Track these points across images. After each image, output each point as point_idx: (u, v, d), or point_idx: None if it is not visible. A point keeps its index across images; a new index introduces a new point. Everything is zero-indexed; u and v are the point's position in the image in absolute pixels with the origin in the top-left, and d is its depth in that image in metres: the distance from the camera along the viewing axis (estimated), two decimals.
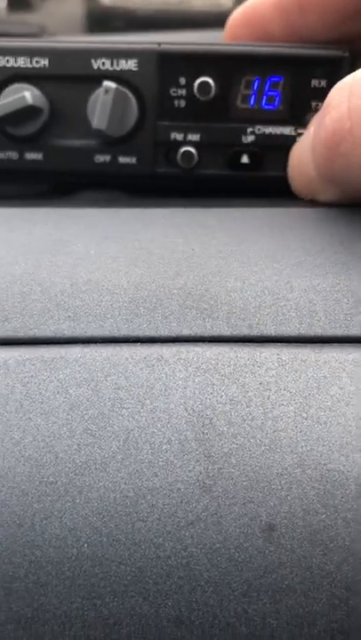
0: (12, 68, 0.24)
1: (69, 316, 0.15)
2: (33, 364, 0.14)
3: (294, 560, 0.13)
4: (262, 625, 0.13)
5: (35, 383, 0.14)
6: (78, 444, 0.13)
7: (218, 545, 0.13)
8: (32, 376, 0.14)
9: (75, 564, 0.13)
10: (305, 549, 0.13)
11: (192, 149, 0.24)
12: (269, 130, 0.24)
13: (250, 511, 0.13)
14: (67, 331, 0.15)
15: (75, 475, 0.13)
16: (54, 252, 0.17)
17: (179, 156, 0.25)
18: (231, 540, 0.13)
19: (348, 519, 0.13)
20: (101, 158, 0.25)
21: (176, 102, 0.24)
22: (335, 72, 0.24)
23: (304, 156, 0.22)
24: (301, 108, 0.24)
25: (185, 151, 0.25)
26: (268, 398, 0.14)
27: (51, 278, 0.16)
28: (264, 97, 0.24)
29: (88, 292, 0.16)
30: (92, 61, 0.24)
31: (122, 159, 0.25)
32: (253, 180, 0.25)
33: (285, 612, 0.13)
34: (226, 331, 0.15)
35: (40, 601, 0.12)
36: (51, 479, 0.13)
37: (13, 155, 0.25)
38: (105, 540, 0.13)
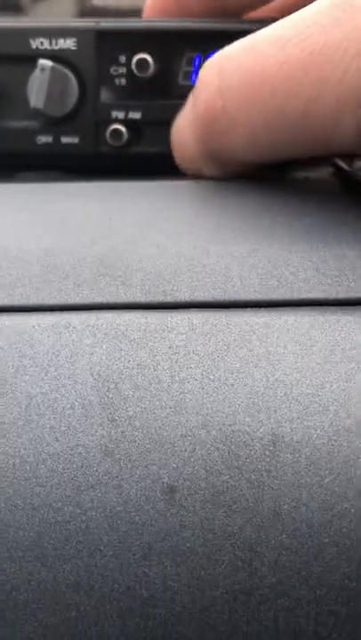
0: None
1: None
2: None
3: (196, 522, 0.13)
4: (163, 588, 0.12)
5: None
6: None
7: (118, 508, 0.13)
8: None
9: None
10: (207, 511, 0.13)
11: (121, 127, 0.24)
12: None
13: (151, 474, 0.13)
14: None
15: None
16: None
17: (108, 134, 0.24)
18: (132, 503, 0.13)
19: (251, 480, 0.13)
20: (43, 139, 0.25)
21: (116, 80, 0.24)
22: None
23: (186, 132, 0.21)
24: None
25: (114, 129, 0.24)
26: (176, 362, 0.14)
27: None
28: None
29: None
30: (31, 41, 0.24)
31: (64, 139, 0.25)
32: None
33: (187, 575, 0.13)
34: (139, 297, 0.15)
35: None
36: None
37: None
38: (2, 504, 0.13)
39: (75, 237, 0.16)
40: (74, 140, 0.25)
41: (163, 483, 0.13)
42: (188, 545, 0.13)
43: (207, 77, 0.19)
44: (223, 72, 0.19)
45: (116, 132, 0.24)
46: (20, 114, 0.25)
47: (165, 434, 0.13)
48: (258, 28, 0.24)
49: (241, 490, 0.13)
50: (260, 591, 0.12)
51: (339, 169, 0.23)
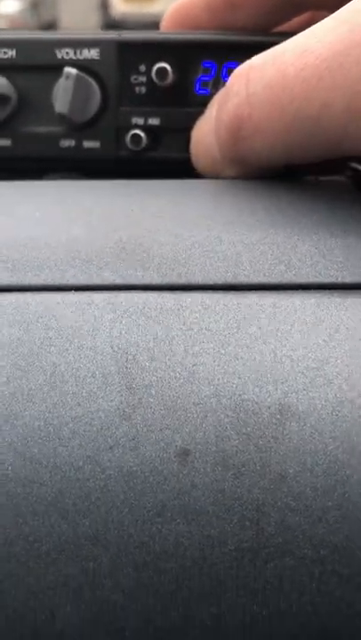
0: None
1: (7, 267, 0.16)
2: None
3: (207, 483, 0.13)
4: (175, 544, 0.13)
5: None
6: (7, 377, 0.14)
7: (135, 468, 0.14)
8: None
9: None
10: (217, 473, 0.14)
11: (140, 132, 0.25)
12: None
13: (166, 437, 0.14)
14: (4, 280, 0.16)
15: (1, 404, 0.14)
16: None
17: (128, 139, 0.26)
18: (147, 463, 0.14)
19: (259, 445, 0.14)
20: (66, 143, 0.26)
21: (137, 89, 0.26)
22: None
23: (208, 138, 0.23)
24: None
25: (134, 134, 0.26)
26: (190, 337, 0.15)
27: None
28: (221, 83, 0.26)
29: (27, 247, 0.17)
30: (57, 51, 0.25)
31: (86, 144, 0.26)
32: None
33: (198, 533, 0.13)
34: (156, 279, 0.16)
35: None
36: None
37: None
38: (28, 463, 0.14)
39: (99, 227, 0.17)
40: (95, 144, 0.26)
41: (176, 446, 0.14)
42: (199, 504, 0.13)
43: (235, 86, 0.20)
44: (250, 81, 0.20)
45: (136, 137, 0.26)
46: (45, 119, 0.26)
47: (179, 401, 0.14)
48: (270, 40, 0.25)
49: (249, 454, 0.14)
50: (266, 550, 0.13)
51: (355, 171, 0.24)
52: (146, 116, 0.26)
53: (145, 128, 0.26)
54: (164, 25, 0.28)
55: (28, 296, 0.16)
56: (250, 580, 0.13)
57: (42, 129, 0.26)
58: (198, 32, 0.26)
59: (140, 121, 0.26)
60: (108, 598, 0.13)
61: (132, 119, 0.26)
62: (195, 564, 0.13)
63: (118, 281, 0.16)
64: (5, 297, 0.16)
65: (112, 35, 0.25)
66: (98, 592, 0.13)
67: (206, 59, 0.25)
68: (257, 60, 0.21)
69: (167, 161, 0.26)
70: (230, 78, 0.21)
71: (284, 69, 0.19)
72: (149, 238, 0.17)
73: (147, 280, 0.16)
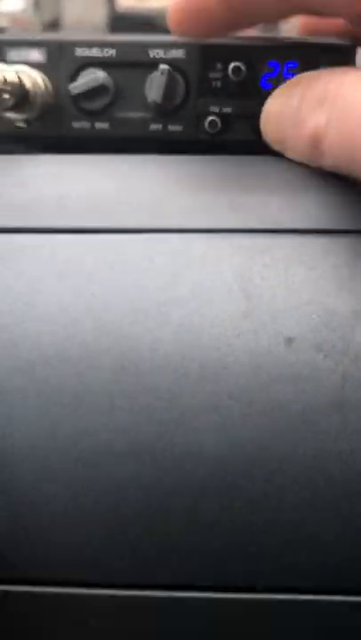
0: (87, 57, 0.32)
1: (153, 215, 0.22)
2: (132, 244, 0.21)
3: (306, 359, 0.20)
4: (283, 400, 0.19)
5: (132, 254, 0.21)
6: (162, 288, 0.20)
7: (257, 350, 0.20)
8: (130, 251, 0.21)
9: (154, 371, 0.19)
10: (313, 353, 0.20)
11: (216, 118, 0.31)
12: None
13: (275, 328, 0.20)
14: (150, 224, 0.22)
15: (160, 306, 0.20)
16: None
17: (206, 124, 0.32)
18: (265, 346, 0.20)
19: (341, 335, 0.20)
20: (155, 127, 0.32)
21: (214, 83, 0.31)
22: (340, 59, 0.31)
23: (284, 123, 0.27)
24: None
25: (211, 120, 0.32)
26: (286, 265, 0.21)
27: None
28: (284, 79, 0.31)
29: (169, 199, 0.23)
30: (149, 51, 0.31)
31: (171, 127, 0.32)
32: None
33: (300, 391, 0.19)
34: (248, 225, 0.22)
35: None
36: (144, 308, 0.20)
37: (86, 124, 0.32)
38: (180, 358, 0.20)
39: (210, 189, 0.24)
40: (179, 128, 0.32)
41: (284, 334, 0.20)
42: (300, 374, 0.19)
43: (320, 102, 0.24)
44: (334, 102, 0.24)
45: (213, 122, 0.31)
46: (137, 106, 0.32)
47: (283, 306, 0.20)
48: (328, 43, 0.31)
49: (334, 341, 0.20)
50: (348, 404, 0.19)
51: None
52: (221, 105, 0.31)
53: (220, 115, 0.31)
54: (172, 15, 0.30)
55: (177, 236, 0.22)
56: (336, 427, 0.19)
57: (134, 115, 0.32)
58: (264, 37, 0.31)
59: (216, 109, 0.31)
60: None
61: (210, 107, 0.31)
62: (298, 415, 0.19)
63: (235, 226, 0.22)
64: (157, 236, 0.22)
65: (196, 39, 0.31)
66: None
67: (271, 59, 0.31)
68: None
69: (237, 142, 0.32)
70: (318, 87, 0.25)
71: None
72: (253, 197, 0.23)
73: (254, 225, 0.22)
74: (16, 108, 0.30)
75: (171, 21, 0.30)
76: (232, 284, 0.21)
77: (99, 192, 0.23)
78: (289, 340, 0.20)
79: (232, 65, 0.31)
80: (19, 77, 0.30)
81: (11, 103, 0.29)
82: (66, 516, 0.19)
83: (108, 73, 0.32)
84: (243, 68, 0.31)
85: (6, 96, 0.29)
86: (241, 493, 0.19)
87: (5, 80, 0.28)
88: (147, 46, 0.31)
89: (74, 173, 0.25)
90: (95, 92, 0.32)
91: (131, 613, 0.19)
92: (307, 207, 0.23)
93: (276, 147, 0.29)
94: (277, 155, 0.31)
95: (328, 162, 0.23)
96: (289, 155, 0.28)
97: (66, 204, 0.23)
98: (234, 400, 0.19)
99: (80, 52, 0.32)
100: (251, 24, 0.31)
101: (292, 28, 0.36)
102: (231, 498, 0.19)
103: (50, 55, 0.32)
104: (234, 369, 0.19)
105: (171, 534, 0.19)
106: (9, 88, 0.29)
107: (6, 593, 0.19)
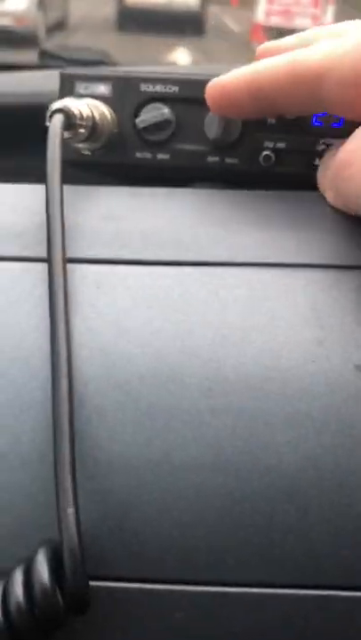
0: (151, 92, 0.34)
1: (226, 248, 0.25)
2: (209, 277, 0.24)
3: None
4: (355, 417, 0.22)
5: (212, 286, 0.23)
6: (241, 318, 0.23)
7: (329, 374, 0.22)
8: (210, 283, 0.24)
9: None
10: None
11: (270, 153, 0.33)
12: (335, 141, 0.34)
13: (345, 355, 0.22)
14: (225, 257, 0.24)
15: (240, 333, 0.22)
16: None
17: (261, 158, 0.34)
18: (335, 370, 0.22)
19: None
20: (212, 159, 0.34)
21: (268, 120, 0.34)
22: None
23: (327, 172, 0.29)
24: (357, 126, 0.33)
25: (266, 154, 0.34)
26: (358, 299, 0.23)
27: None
28: (332, 118, 0.34)
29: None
30: None
31: (227, 160, 0.34)
32: None
33: None
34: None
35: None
36: (226, 335, 0.22)
37: (148, 155, 0.35)
38: (255, 380, 0.22)
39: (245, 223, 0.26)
40: (235, 160, 0.34)
41: (353, 362, 0.22)
42: None
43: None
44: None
45: (267, 156, 0.34)
46: (196, 140, 0.34)
47: (355, 334, 0.22)
48: None
49: None
50: None
51: None
52: (275, 140, 0.34)
53: (274, 149, 0.34)
54: (209, 99, 0.31)
55: (245, 269, 0.24)
56: None
57: (193, 147, 0.34)
58: None
59: (271, 144, 0.34)
60: None
61: (265, 143, 0.34)
62: None
63: (304, 261, 0.24)
64: (232, 270, 0.24)
65: None
66: None
67: None
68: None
69: (289, 175, 0.34)
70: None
71: None
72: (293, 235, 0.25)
73: (321, 261, 0.24)
74: (87, 138, 0.33)
75: (209, 101, 0.32)
76: (307, 313, 0.23)
77: (178, 226, 0.26)
78: (357, 368, 0.22)
79: None
80: (91, 111, 0.32)
81: (85, 136, 0.32)
82: (157, 521, 0.21)
83: (171, 108, 0.34)
84: None
85: (82, 130, 0.31)
86: (316, 504, 0.21)
87: (82, 115, 0.31)
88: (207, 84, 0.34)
89: (154, 207, 0.28)
90: (158, 125, 0.34)
91: (216, 608, 0.21)
92: None
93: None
94: None
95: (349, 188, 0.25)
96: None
97: (150, 236, 0.25)
98: (310, 419, 0.21)
99: (145, 87, 0.34)
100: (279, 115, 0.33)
101: None
102: (306, 507, 0.21)
103: (116, 89, 0.35)
104: (310, 391, 0.22)
105: (251, 539, 0.21)
106: (84, 123, 0.31)
107: (97, 588, 0.21)
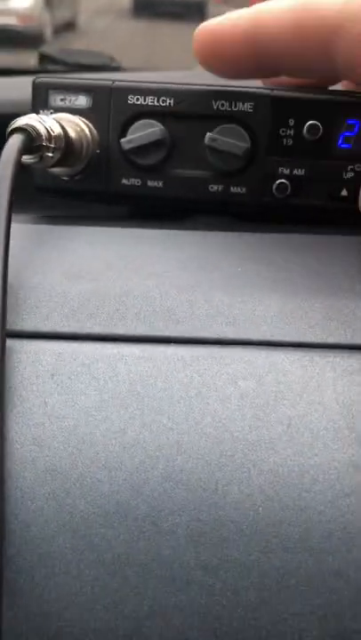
0: (142, 105, 0.28)
1: (229, 322, 0.18)
2: (206, 360, 0.17)
3: None
4: None
5: (209, 375, 0.17)
6: (250, 427, 0.16)
7: None
8: (207, 369, 0.17)
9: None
10: None
11: (286, 181, 0.27)
12: None
13: None
14: (230, 334, 0.18)
15: (247, 451, 0.16)
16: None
17: (274, 187, 0.28)
18: None
19: None
20: (215, 187, 0.28)
21: (284, 141, 0.28)
22: None
23: None
24: None
25: (280, 183, 0.28)
26: None
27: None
28: None
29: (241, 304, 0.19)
30: (213, 102, 0.27)
31: (233, 189, 0.28)
32: (350, 211, 0.28)
33: None
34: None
35: None
36: (228, 453, 0.16)
37: (137, 182, 0.28)
38: (273, 503, 0.16)
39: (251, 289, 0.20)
40: (241, 189, 0.28)
41: None
42: None
43: None
44: None
45: (282, 185, 0.27)
46: (195, 164, 0.28)
47: None
48: None
49: None
50: None
51: None
52: (292, 166, 0.28)
53: (290, 177, 0.27)
54: (196, 48, 0.26)
55: (255, 351, 0.18)
56: None
57: (192, 173, 0.28)
58: (342, 91, 0.27)
59: (287, 170, 0.28)
60: None
61: (279, 168, 0.28)
62: None
63: (330, 340, 0.18)
64: (235, 351, 0.18)
65: (266, 90, 0.27)
66: None
67: (350, 117, 0.27)
68: None
69: (309, 208, 0.28)
70: None
71: None
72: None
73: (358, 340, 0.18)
74: (60, 162, 0.26)
75: (196, 50, 0.26)
76: (338, 421, 0.16)
77: (167, 288, 0.19)
78: None
79: (309, 122, 0.27)
80: (63, 129, 0.26)
81: (55, 160, 0.25)
82: None
83: (164, 124, 0.28)
84: (320, 125, 0.27)
85: (50, 154, 0.25)
86: None
87: (50, 136, 0.24)
88: (210, 96, 0.27)
89: (135, 258, 0.21)
90: (149, 146, 0.28)
91: None
92: None
93: None
94: (357, 224, 0.27)
95: None
96: None
97: (127, 302, 0.19)
98: (346, 582, 0.15)
99: (133, 99, 0.28)
100: (278, 74, 0.27)
101: None
102: None
103: (98, 102, 0.29)
104: (343, 539, 0.15)
105: None
106: (53, 144, 0.25)
107: None
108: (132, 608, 0.15)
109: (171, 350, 0.18)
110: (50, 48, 0.69)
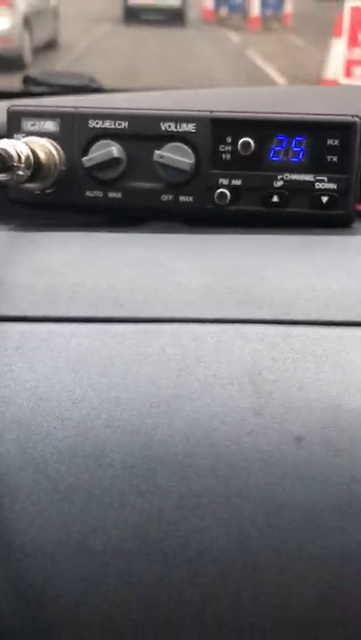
0: (101, 128, 0.32)
1: (162, 304, 0.23)
2: (141, 335, 0.22)
3: (315, 459, 0.20)
4: (292, 499, 0.19)
5: (144, 346, 0.22)
6: (174, 383, 0.21)
7: (265, 448, 0.20)
8: (142, 341, 0.22)
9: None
10: (322, 452, 0.20)
11: (226, 191, 0.32)
12: (295, 177, 0.32)
13: (285, 428, 0.20)
14: (163, 314, 0.23)
15: (171, 401, 0.20)
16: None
17: (215, 196, 0.32)
18: (274, 444, 0.20)
19: (351, 435, 0.20)
20: (166, 197, 0.33)
21: (223, 156, 0.32)
22: (346, 134, 0.31)
23: None
24: (320, 160, 0.32)
25: (220, 192, 0.32)
26: (298, 359, 0.21)
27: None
28: (291, 152, 0.32)
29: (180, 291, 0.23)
30: (161, 124, 0.32)
31: (182, 198, 0.32)
32: (281, 215, 0.32)
33: (307, 491, 0.20)
34: (269, 316, 0.23)
35: None
36: (156, 404, 0.20)
37: (99, 194, 0.33)
38: (189, 454, 0.20)
39: (222, 276, 0.24)
40: (189, 198, 0.32)
41: (294, 434, 0.20)
42: (309, 473, 0.20)
43: None
44: None
45: (222, 194, 0.32)
46: (149, 177, 0.33)
47: (294, 404, 0.20)
48: (334, 120, 0.31)
49: (344, 441, 0.20)
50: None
51: None
52: (230, 177, 0.32)
53: (229, 187, 0.32)
54: None
55: (184, 326, 0.22)
56: (342, 527, 0.19)
57: (146, 185, 0.33)
58: (274, 112, 0.32)
59: (226, 181, 0.32)
60: None
61: (220, 180, 0.32)
62: (306, 515, 0.19)
63: (245, 316, 0.22)
64: (166, 327, 0.22)
65: (206, 113, 0.32)
66: None
67: (280, 133, 0.32)
68: None
69: (245, 213, 0.32)
70: None
71: None
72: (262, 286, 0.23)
73: (265, 316, 0.23)
74: (31, 179, 0.31)
75: None
76: (242, 377, 0.21)
77: (114, 280, 0.24)
78: (298, 439, 0.20)
79: (242, 140, 0.31)
80: (32, 150, 0.31)
81: (26, 177, 0.30)
82: (75, 611, 0.19)
83: (121, 144, 0.33)
84: (252, 142, 0.31)
85: (20, 172, 0.29)
86: (249, 592, 0.19)
87: (20, 157, 0.29)
88: (158, 119, 0.32)
89: (91, 257, 0.26)
90: (108, 163, 0.33)
91: None
92: (325, 294, 0.23)
93: None
94: (286, 226, 0.32)
95: None
96: None
97: (81, 291, 0.23)
98: (244, 498, 0.19)
99: (93, 123, 0.33)
100: None
101: None
102: (238, 594, 0.19)
103: (64, 126, 0.33)
104: (244, 467, 0.20)
105: (180, 630, 0.19)
106: (23, 165, 0.29)
107: None
108: (79, 526, 0.19)
109: (114, 328, 0.22)
110: (33, 71, 0.73)
